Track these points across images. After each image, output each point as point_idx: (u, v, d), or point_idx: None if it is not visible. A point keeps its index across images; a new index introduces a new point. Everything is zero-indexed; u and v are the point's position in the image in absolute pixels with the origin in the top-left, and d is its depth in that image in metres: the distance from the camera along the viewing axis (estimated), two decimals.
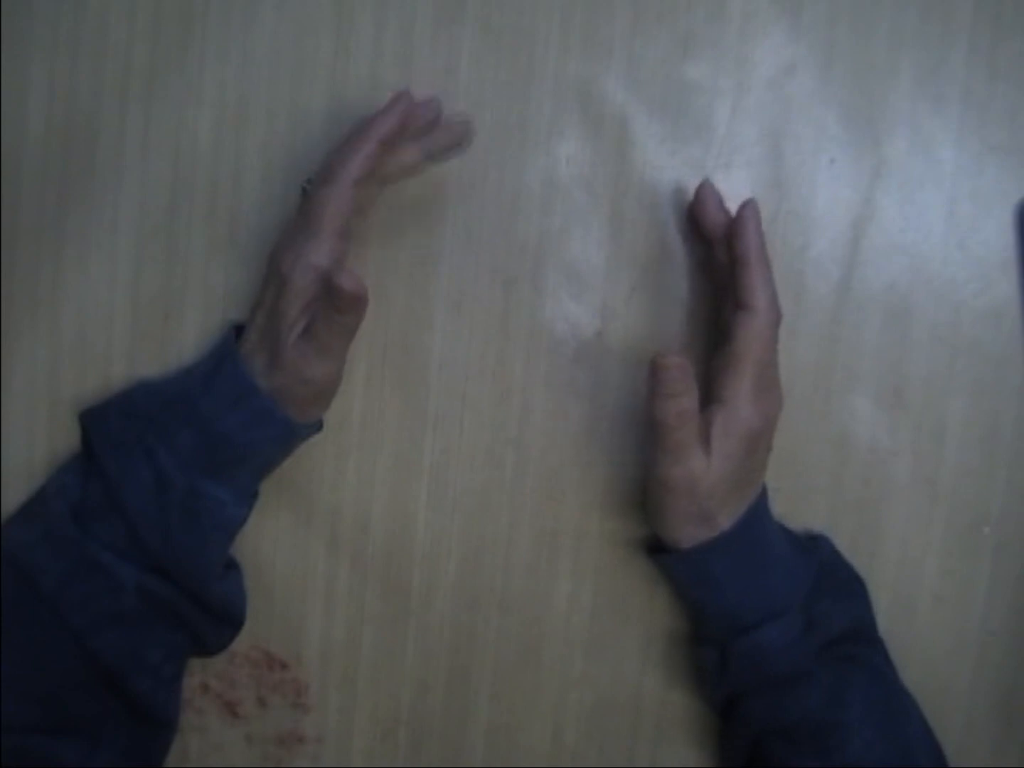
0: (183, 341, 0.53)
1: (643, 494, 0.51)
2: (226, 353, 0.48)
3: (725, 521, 0.47)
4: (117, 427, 0.49)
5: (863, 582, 0.51)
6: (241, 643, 0.53)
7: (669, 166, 0.51)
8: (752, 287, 0.46)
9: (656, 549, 0.50)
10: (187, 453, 0.47)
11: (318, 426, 0.50)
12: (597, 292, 0.52)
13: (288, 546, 0.53)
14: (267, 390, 0.47)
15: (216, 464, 0.47)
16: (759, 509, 0.48)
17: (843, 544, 0.52)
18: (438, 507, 0.53)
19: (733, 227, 0.47)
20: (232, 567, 0.52)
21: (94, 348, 0.53)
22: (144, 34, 0.52)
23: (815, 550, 0.50)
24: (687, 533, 0.48)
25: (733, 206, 0.51)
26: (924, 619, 0.52)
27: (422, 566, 0.54)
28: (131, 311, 0.53)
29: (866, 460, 0.52)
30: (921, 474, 0.51)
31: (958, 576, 0.51)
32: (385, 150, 0.47)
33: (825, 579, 0.49)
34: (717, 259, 0.49)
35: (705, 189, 0.49)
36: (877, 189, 0.51)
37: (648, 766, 0.53)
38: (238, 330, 0.50)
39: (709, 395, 0.47)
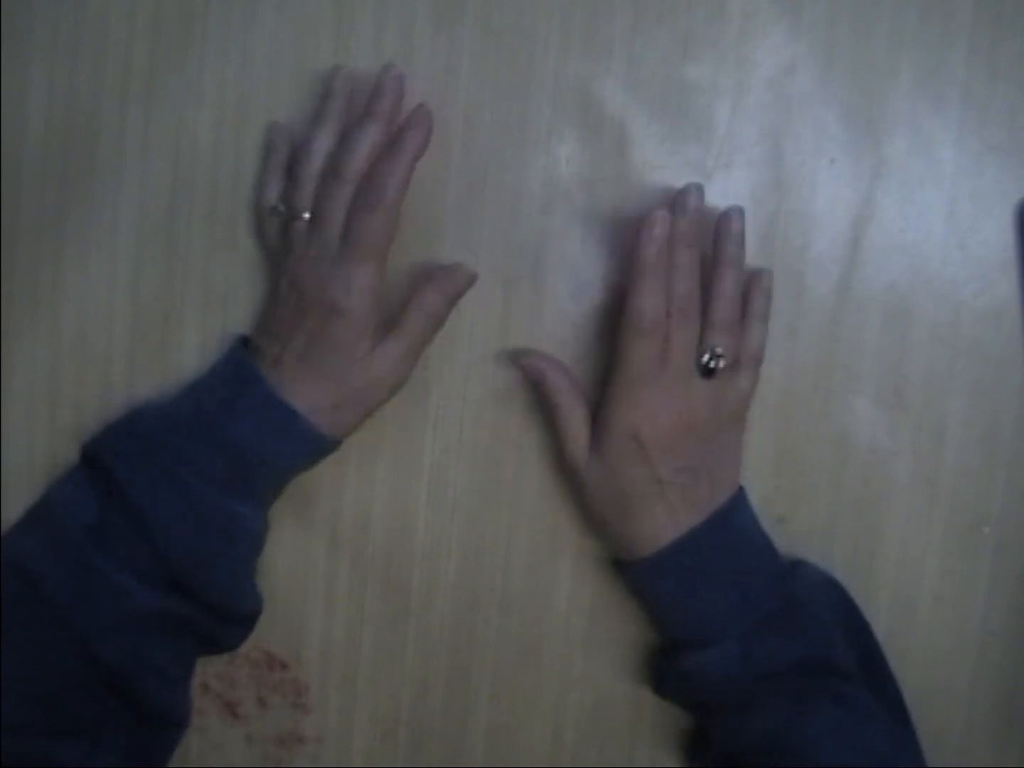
0: (183, 341, 0.53)
1: None
2: (248, 377, 0.48)
3: (651, 539, 0.48)
4: (138, 457, 0.48)
5: (828, 625, 0.48)
6: None
7: (669, 166, 0.51)
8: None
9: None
10: (221, 479, 0.47)
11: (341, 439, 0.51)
12: (597, 292, 0.52)
13: (288, 546, 0.53)
14: (304, 410, 0.47)
15: (250, 486, 0.48)
16: (709, 533, 0.48)
17: (843, 544, 0.52)
18: (438, 507, 0.53)
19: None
20: None
21: (94, 348, 0.53)
22: (144, 34, 0.52)
23: (789, 581, 0.49)
24: (614, 543, 0.50)
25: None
26: (924, 619, 0.52)
27: (422, 566, 0.54)
28: (131, 311, 0.53)
29: (866, 460, 0.52)
30: (921, 474, 0.51)
31: (958, 576, 0.51)
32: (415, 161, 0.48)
33: (784, 613, 0.47)
34: None
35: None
36: (877, 189, 0.51)
37: (648, 766, 0.53)
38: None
39: None
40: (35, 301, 0.53)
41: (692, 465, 0.48)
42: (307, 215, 0.48)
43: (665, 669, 0.50)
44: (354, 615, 0.54)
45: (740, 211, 0.49)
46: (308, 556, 0.54)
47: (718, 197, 0.51)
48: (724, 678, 0.47)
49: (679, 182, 0.51)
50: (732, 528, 0.49)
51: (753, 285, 0.49)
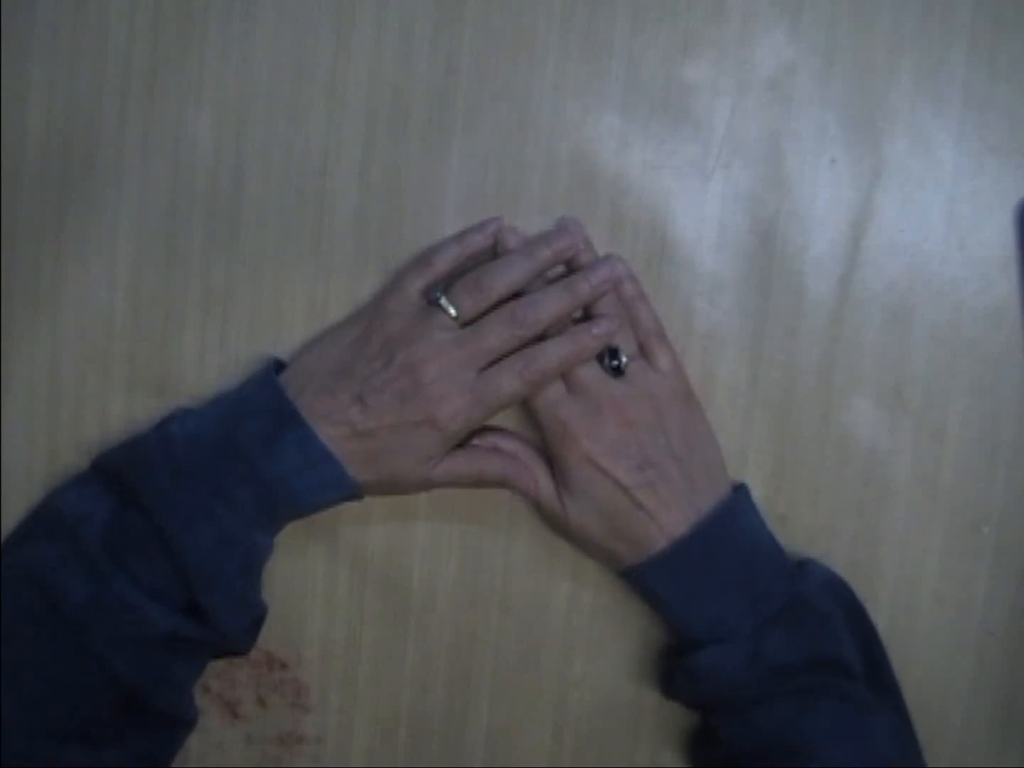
0: (183, 341, 0.53)
1: None
2: (288, 415, 0.47)
3: (644, 545, 0.48)
4: (173, 490, 0.47)
5: (835, 623, 0.48)
6: None
7: (669, 166, 0.51)
8: None
9: None
10: (251, 513, 0.47)
11: None
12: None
13: (288, 546, 0.53)
14: (343, 459, 0.48)
15: (276, 520, 0.49)
16: (710, 533, 0.48)
17: (843, 544, 0.52)
18: (438, 506, 0.53)
19: None
20: None
21: (94, 348, 0.53)
22: (144, 34, 0.52)
23: (796, 579, 0.49)
24: (615, 560, 0.50)
25: (734, 205, 0.51)
26: (924, 619, 0.52)
27: (422, 566, 0.54)
28: (131, 311, 0.53)
29: (866, 460, 0.52)
30: (921, 474, 0.51)
31: (958, 576, 0.51)
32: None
33: (792, 611, 0.47)
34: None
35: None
36: (877, 189, 0.51)
37: (648, 767, 0.53)
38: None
39: None
40: (35, 301, 0.53)
41: (651, 460, 0.48)
42: (461, 319, 0.48)
43: (673, 668, 0.49)
44: (354, 615, 0.54)
45: (575, 221, 0.51)
46: (308, 556, 0.54)
47: (718, 197, 0.51)
48: (733, 676, 0.46)
49: (679, 182, 0.51)
50: (735, 527, 0.49)
51: (614, 280, 0.50)
